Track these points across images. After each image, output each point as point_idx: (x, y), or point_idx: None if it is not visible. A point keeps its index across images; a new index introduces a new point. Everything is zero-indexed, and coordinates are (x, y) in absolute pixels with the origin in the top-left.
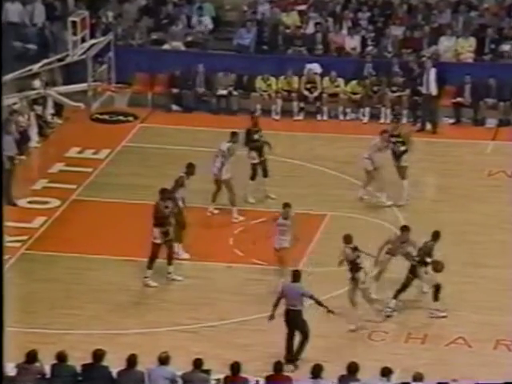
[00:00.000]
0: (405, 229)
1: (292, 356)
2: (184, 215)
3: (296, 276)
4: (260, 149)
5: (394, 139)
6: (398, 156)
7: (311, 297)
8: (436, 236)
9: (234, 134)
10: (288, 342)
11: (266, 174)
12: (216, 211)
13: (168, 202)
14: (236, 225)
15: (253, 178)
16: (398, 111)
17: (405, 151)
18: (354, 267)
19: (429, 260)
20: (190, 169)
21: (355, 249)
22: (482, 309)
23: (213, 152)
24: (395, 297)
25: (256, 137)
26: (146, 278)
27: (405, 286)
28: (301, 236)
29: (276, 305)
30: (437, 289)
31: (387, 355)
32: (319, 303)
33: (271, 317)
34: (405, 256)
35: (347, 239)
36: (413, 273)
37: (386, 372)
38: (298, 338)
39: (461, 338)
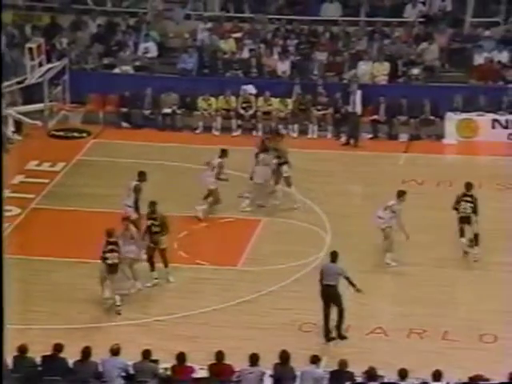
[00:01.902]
0: (402, 194)
1: (330, 333)
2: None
3: (334, 257)
4: None
5: (275, 153)
6: (277, 168)
7: (347, 277)
8: (469, 186)
9: (223, 151)
10: (326, 318)
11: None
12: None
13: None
14: (180, 229)
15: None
16: (276, 126)
17: (283, 163)
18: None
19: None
20: (142, 176)
21: (113, 243)
22: (397, 301)
23: (157, 164)
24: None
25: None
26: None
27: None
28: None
29: (321, 281)
30: (476, 237)
31: (316, 345)
32: (351, 283)
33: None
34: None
35: (109, 234)
36: (468, 221)
37: (315, 359)
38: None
39: (379, 327)
